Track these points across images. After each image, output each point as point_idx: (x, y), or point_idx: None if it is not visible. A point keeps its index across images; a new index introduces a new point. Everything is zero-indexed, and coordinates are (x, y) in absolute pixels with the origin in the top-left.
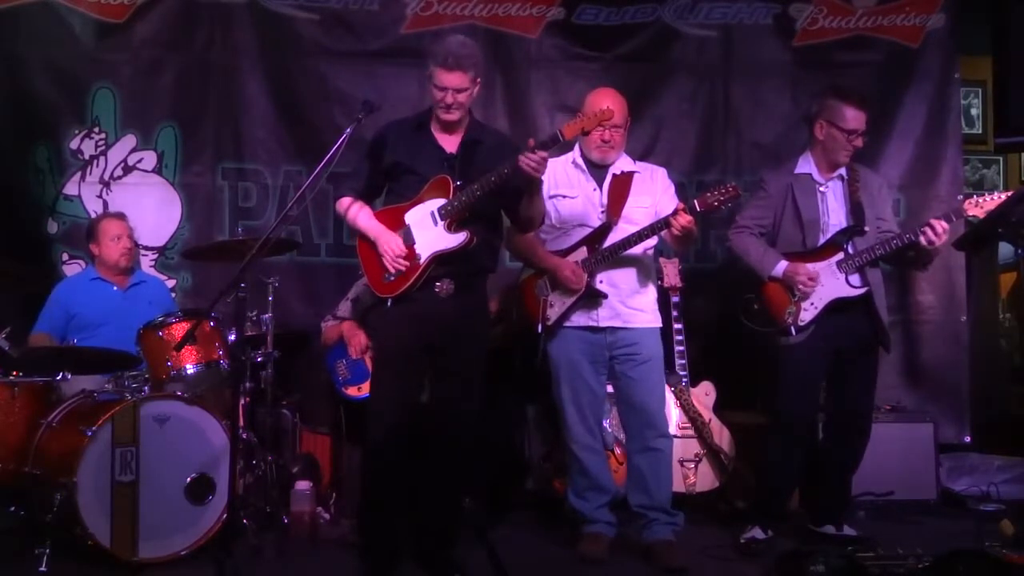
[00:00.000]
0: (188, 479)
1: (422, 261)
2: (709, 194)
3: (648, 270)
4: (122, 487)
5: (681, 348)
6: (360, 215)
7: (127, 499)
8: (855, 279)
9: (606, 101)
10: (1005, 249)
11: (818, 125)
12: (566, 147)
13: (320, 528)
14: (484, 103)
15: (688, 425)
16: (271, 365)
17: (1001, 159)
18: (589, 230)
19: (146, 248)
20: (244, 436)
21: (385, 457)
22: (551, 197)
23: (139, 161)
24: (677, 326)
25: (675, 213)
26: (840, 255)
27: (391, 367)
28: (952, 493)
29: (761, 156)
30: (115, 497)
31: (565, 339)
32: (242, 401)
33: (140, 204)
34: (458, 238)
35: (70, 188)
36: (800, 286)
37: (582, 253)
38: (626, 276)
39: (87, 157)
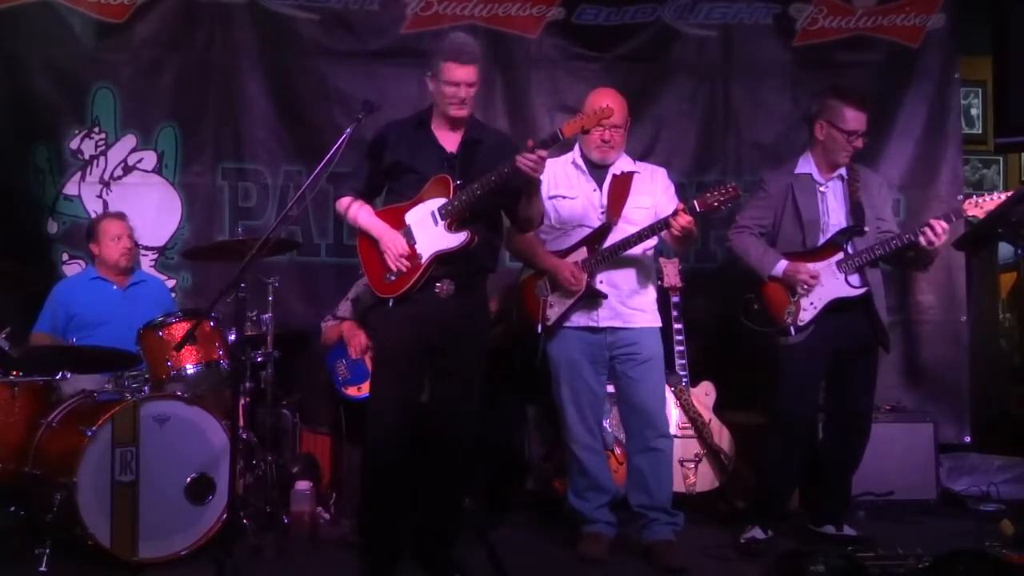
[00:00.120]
0: (188, 479)
1: (423, 261)
2: (709, 194)
3: (648, 270)
4: (122, 487)
5: (681, 348)
6: (361, 214)
7: (127, 499)
8: (855, 279)
9: (606, 100)
10: (1005, 249)
11: (818, 125)
12: (566, 147)
13: (320, 528)
14: (484, 103)
15: (688, 425)
16: (271, 365)
17: (1001, 159)
18: (589, 230)
19: (146, 248)
20: (244, 436)
21: (385, 457)
22: (551, 197)
23: (139, 161)
24: (677, 326)
25: (675, 213)
26: (840, 255)
27: (391, 367)
28: (952, 493)
29: (761, 156)
30: (115, 497)
31: (565, 339)
32: (242, 401)
33: (140, 204)
34: (459, 238)
35: (70, 188)
36: (802, 284)
37: (582, 253)
38: (626, 276)
39: (87, 157)
